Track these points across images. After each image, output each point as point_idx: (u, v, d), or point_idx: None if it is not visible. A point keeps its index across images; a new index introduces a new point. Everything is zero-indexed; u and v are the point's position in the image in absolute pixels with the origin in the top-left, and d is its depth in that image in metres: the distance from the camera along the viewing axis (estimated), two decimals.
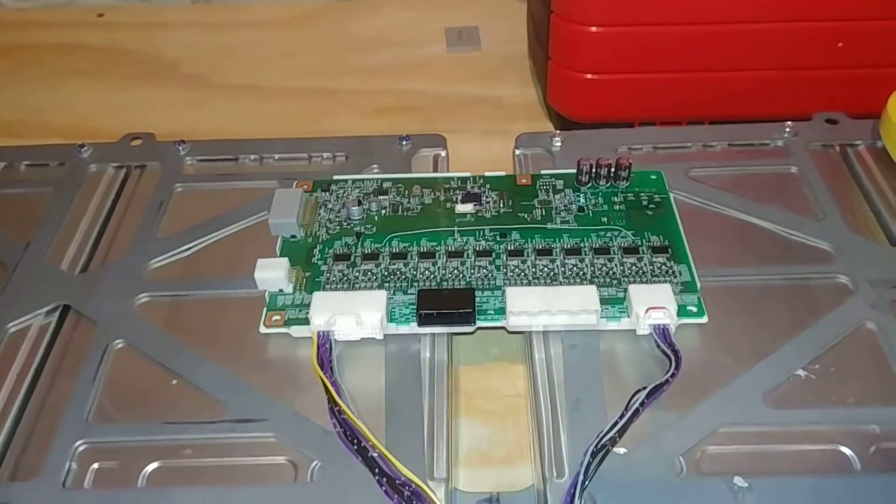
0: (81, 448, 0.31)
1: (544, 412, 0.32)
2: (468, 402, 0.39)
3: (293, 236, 0.38)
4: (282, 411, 0.32)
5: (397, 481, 0.28)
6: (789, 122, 0.43)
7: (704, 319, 0.34)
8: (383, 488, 0.28)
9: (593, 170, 0.39)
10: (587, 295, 0.33)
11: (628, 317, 0.33)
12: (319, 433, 0.31)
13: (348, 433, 0.30)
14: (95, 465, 0.31)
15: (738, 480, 0.29)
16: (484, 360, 0.40)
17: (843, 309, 0.34)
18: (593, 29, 0.46)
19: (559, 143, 0.43)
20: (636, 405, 0.29)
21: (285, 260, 0.36)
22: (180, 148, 0.44)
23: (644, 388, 0.30)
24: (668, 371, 0.31)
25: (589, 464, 0.28)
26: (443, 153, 0.44)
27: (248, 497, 0.29)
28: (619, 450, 0.30)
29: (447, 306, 0.34)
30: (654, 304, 0.33)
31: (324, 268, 0.37)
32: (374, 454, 0.29)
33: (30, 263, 0.39)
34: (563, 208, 0.39)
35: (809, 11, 0.45)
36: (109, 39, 0.63)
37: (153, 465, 0.31)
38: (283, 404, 0.32)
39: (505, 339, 0.39)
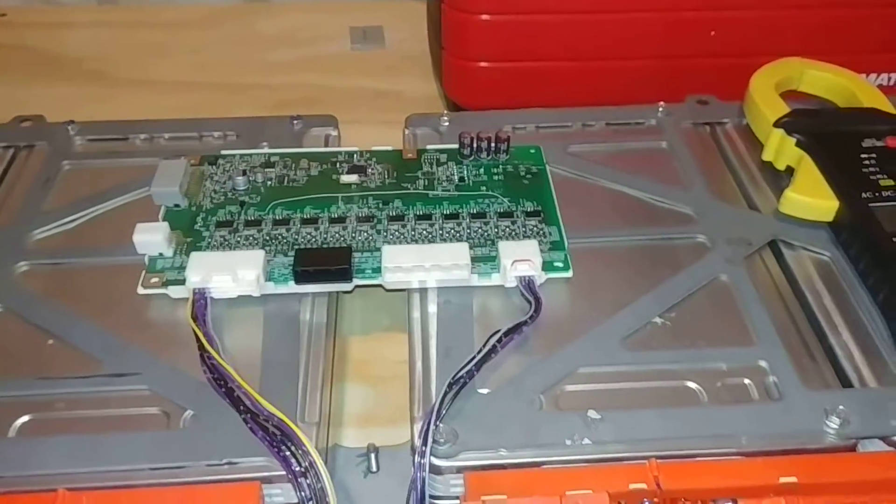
0: None
1: (417, 359, 0.33)
2: (356, 369, 0.40)
3: (176, 205, 0.39)
4: (156, 366, 0.32)
5: (261, 416, 0.28)
6: (662, 103, 0.46)
7: (569, 274, 0.36)
8: (248, 425, 0.28)
9: (474, 143, 0.41)
10: (458, 251, 0.35)
11: (498, 272, 0.35)
12: (194, 385, 0.31)
13: (217, 377, 0.30)
14: None
15: (592, 413, 0.30)
16: (374, 330, 0.41)
17: (701, 264, 0.37)
18: (483, 17, 0.48)
19: (447, 123, 0.45)
20: (493, 342, 0.31)
21: (165, 224, 0.36)
22: (69, 128, 0.44)
23: (500, 329, 0.31)
24: (528, 314, 0.32)
25: (445, 393, 0.29)
26: (333, 132, 0.45)
27: (120, 443, 0.29)
28: (483, 390, 0.31)
29: (324, 263, 0.35)
30: (519, 257, 0.34)
31: (206, 234, 0.37)
32: (241, 392, 0.29)
33: None
34: (444, 179, 0.40)
35: (684, 1, 0.48)
36: (11, 37, 0.63)
37: (24, 418, 0.31)
38: (159, 360, 0.33)
39: (396, 309, 0.40)
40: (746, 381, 0.32)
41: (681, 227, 0.39)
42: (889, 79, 0.52)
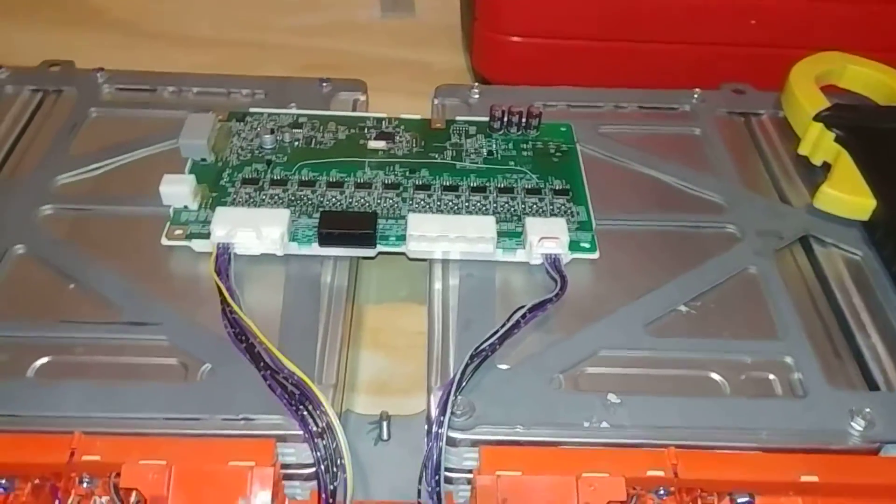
0: None
1: (436, 331, 0.33)
2: (373, 338, 0.40)
3: (203, 159, 0.38)
4: (176, 318, 0.32)
5: (280, 374, 0.28)
6: (698, 90, 0.45)
7: (596, 255, 0.35)
8: (267, 382, 0.28)
9: (505, 116, 0.41)
10: (485, 224, 0.34)
11: (524, 248, 0.35)
12: (213, 339, 0.31)
13: (238, 332, 0.30)
14: None
15: (612, 396, 0.30)
16: (393, 300, 0.41)
17: (729, 254, 0.36)
18: None
19: (477, 96, 0.44)
20: (517, 318, 0.30)
21: (192, 177, 0.36)
22: (98, 76, 0.44)
23: (524, 305, 0.31)
24: (553, 292, 0.32)
25: (467, 365, 0.29)
26: (362, 97, 0.44)
27: (136, 392, 0.29)
28: (503, 366, 0.31)
29: (348, 226, 0.34)
30: (546, 235, 0.34)
31: (231, 189, 0.37)
32: (261, 349, 0.29)
33: None
34: (473, 151, 0.40)
35: None
36: None
37: (43, 360, 0.30)
38: (179, 312, 0.32)
39: (414, 280, 0.40)
40: (771, 375, 0.31)
41: (711, 215, 0.38)
42: None
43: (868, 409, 0.29)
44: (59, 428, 0.27)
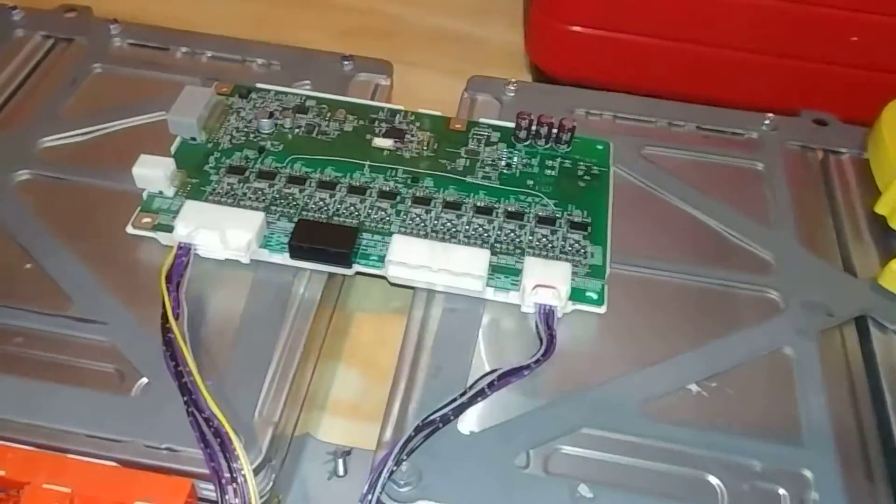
0: None
1: (404, 372, 0.29)
2: (354, 351, 0.36)
3: (193, 138, 0.35)
4: (125, 318, 0.30)
5: (203, 413, 0.25)
6: (770, 115, 0.39)
7: (602, 309, 0.30)
8: (189, 419, 0.25)
9: (532, 127, 0.36)
10: (477, 258, 0.30)
11: (518, 290, 0.30)
12: (157, 350, 0.28)
13: (171, 353, 0.27)
14: None
15: (583, 489, 0.25)
16: (381, 310, 0.37)
17: (765, 327, 0.31)
18: None
19: (512, 93, 0.39)
20: (483, 386, 0.26)
21: (170, 160, 0.33)
22: (112, 28, 0.41)
23: (497, 369, 0.27)
24: (534, 356, 0.28)
25: (410, 437, 0.25)
26: (384, 82, 0.40)
27: (65, 398, 0.27)
28: (465, 429, 0.27)
29: (323, 242, 0.30)
30: (543, 282, 0.29)
31: (214, 177, 0.33)
32: (188, 379, 0.26)
33: None
34: (489, 163, 0.35)
35: None
36: None
37: None
38: (130, 312, 0.30)
39: (407, 293, 0.36)
40: (781, 490, 0.26)
41: (752, 274, 0.33)
42: None
43: None
44: None
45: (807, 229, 0.35)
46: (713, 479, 0.26)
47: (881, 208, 0.34)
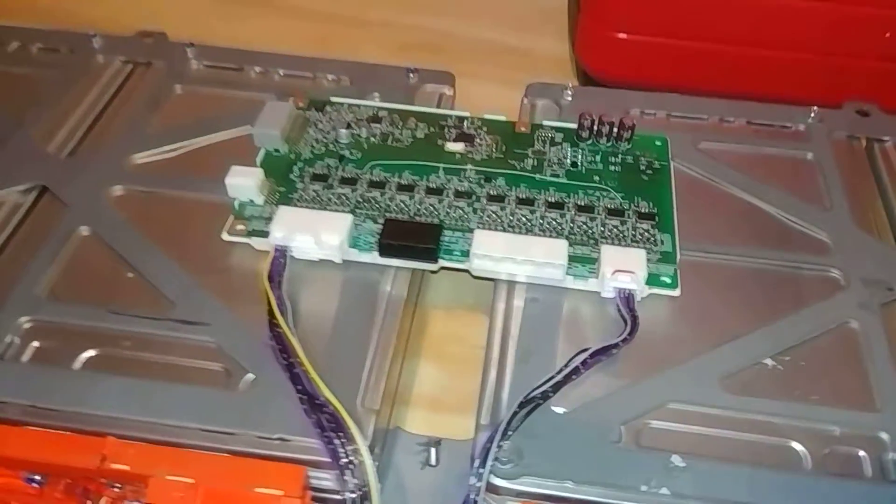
0: (27, 325, 0.31)
1: (493, 360, 0.31)
2: (431, 346, 0.38)
3: (276, 150, 0.37)
4: (227, 319, 0.31)
5: (316, 400, 0.27)
6: (815, 107, 0.40)
7: (677, 292, 0.32)
8: (303, 406, 0.27)
9: (595, 126, 0.38)
10: (556, 248, 0.32)
11: (596, 277, 0.32)
12: (261, 348, 0.30)
13: (281, 349, 0.29)
14: (36, 343, 0.31)
15: (676, 459, 0.27)
16: (457, 307, 0.39)
17: (829, 304, 0.32)
18: None
19: (570, 97, 0.41)
20: (577, 364, 0.28)
21: (259, 170, 0.35)
22: (188, 50, 0.43)
23: (588, 348, 0.29)
24: (620, 335, 0.29)
25: (515, 413, 0.26)
26: (448, 92, 0.42)
27: (176, 396, 0.29)
28: (559, 409, 0.29)
29: (410, 239, 0.32)
30: (622, 267, 0.31)
31: (299, 185, 0.36)
32: (299, 370, 0.28)
33: (19, 141, 0.39)
34: (556, 161, 0.37)
35: None
36: None
37: (90, 353, 0.30)
38: (231, 313, 0.32)
39: (482, 288, 0.38)
40: (861, 452, 0.28)
41: (813, 255, 0.34)
42: None
43: None
44: (95, 427, 0.27)
45: (859, 211, 0.36)
46: (797, 446, 0.28)
47: None
